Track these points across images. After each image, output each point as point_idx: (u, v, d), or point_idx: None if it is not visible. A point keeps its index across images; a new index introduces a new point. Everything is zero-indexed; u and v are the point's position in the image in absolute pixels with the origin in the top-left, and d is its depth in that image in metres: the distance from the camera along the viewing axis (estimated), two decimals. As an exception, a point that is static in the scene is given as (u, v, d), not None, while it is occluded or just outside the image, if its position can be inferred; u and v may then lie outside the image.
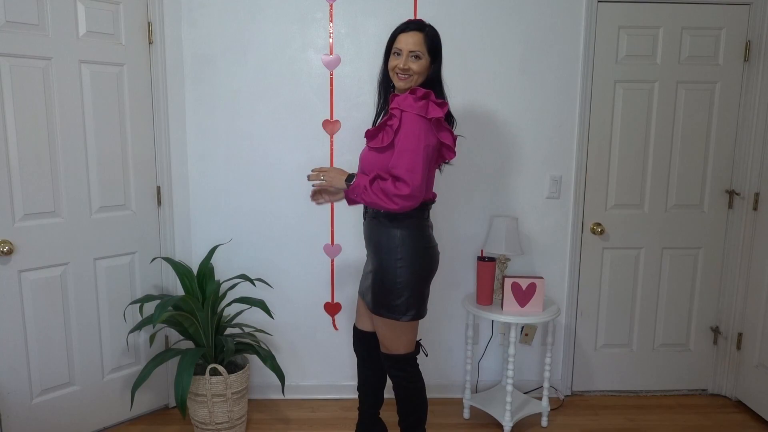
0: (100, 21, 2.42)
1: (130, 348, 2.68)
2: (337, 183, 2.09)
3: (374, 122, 2.17)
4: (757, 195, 2.81)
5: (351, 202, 2.24)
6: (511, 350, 2.57)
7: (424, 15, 2.69)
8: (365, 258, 2.29)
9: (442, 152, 2.10)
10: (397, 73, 2.04)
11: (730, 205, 2.92)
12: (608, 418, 2.84)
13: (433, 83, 2.09)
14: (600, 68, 2.78)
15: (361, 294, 2.27)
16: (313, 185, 2.23)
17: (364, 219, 2.21)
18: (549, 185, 2.86)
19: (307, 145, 2.77)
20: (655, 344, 3.04)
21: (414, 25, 2.05)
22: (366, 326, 2.33)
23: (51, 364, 2.44)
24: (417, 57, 2.02)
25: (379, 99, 2.20)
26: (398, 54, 2.03)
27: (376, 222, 2.12)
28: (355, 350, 2.42)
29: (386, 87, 2.16)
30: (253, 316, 2.73)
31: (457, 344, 2.96)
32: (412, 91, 2.03)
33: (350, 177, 2.07)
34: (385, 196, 1.96)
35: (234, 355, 2.54)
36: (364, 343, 2.36)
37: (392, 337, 2.15)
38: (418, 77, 2.04)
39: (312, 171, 2.14)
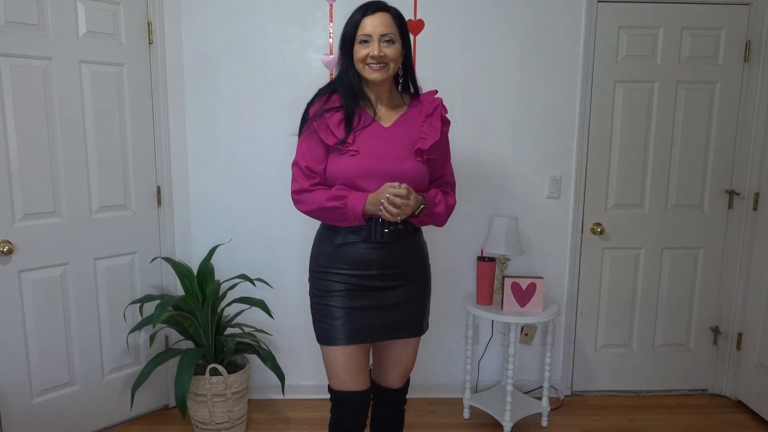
0: (100, 21, 2.42)
1: (130, 348, 2.68)
2: (410, 211, 1.73)
3: (347, 128, 1.78)
4: (757, 195, 2.81)
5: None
6: (511, 350, 2.57)
7: (424, 15, 2.69)
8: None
9: None
10: (368, 64, 1.75)
11: (730, 205, 2.92)
12: (608, 418, 2.84)
13: (406, 71, 1.86)
14: (600, 68, 2.78)
15: (367, 336, 1.82)
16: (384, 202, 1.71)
17: (386, 243, 1.79)
18: (549, 185, 2.86)
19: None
20: (655, 344, 3.04)
21: (377, 6, 1.77)
22: (367, 382, 1.88)
23: (51, 364, 2.44)
24: (390, 41, 1.75)
25: (347, 100, 1.80)
26: (366, 42, 1.74)
27: (416, 238, 1.88)
28: (355, 427, 1.92)
29: (350, 85, 1.80)
30: (253, 316, 2.73)
31: (457, 344, 2.96)
32: (434, 92, 1.90)
33: (423, 208, 1.77)
34: (451, 210, 1.91)
35: (234, 355, 2.54)
36: (365, 407, 1.90)
37: (415, 356, 1.96)
38: (395, 65, 1.79)
39: (396, 195, 1.68)
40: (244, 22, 2.68)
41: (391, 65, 1.77)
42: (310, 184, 1.80)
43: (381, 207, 1.69)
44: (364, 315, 1.80)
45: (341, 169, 1.76)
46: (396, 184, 1.68)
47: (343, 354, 1.80)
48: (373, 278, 1.79)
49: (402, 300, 1.83)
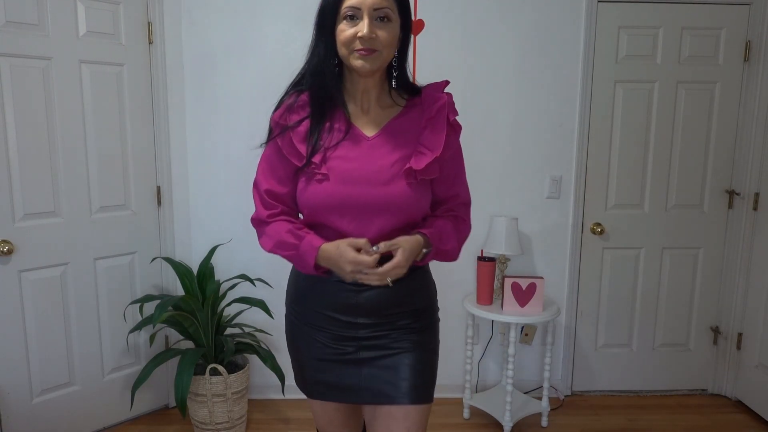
0: (100, 21, 2.42)
1: (130, 348, 2.68)
2: (403, 271, 1.33)
3: (314, 142, 1.35)
4: (757, 195, 2.81)
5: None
6: (511, 350, 2.57)
7: (424, 15, 2.69)
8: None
9: None
10: (355, 50, 1.30)
11: (730, 205, 2.92)
12: (608, 418, 2.84)
13: (402, 62, 1.40)
14: (600, 68, 2.78)
15: (344, 396, 1.45)
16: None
17: (369, 286, 1.37)
18: (549, 185, 2.87)
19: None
20: (655, 344, 3.04)
21: None
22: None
23: (51, 364, 2.43)
24: (385, 18, 1.30)
25: (317, 101, 1.36)
26: (353, 17, 1.29)
27: (417, 277, 1.48)
28: None
29: (327, 77, 1.36)
30: (253, 316, 2.73)
31: (457, 344, 2.96)
32: (441, 85, 1.41)
33: (426, 252, 1.39)
34: (464, 240, 1.49)
35: (234, 355, 2.54)
36: None
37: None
38: (389, 51, 1.33)
39: (360, 264, 1.27)
40: (244, 22, 2.68)
41: (384, 52, 1.32)
42: (268, 214, 1.45)
43: (356, 277, 1.29)
44: (341, 369, 1.42)
45: (309, 200, 1.35)
46: (360, 241, 1.27)
47: (321, 407, 1.51)
48: (354, 327, 1.40)
49: (393, 355, 1.43)
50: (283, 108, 1.39)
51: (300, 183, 1.38)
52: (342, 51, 1.32)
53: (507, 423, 2.58)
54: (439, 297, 2.99)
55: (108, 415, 2.65)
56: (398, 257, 1.28)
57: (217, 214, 2.81)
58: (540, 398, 2.76)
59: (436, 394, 3.17)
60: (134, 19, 2.53)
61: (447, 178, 1.43)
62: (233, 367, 2.54)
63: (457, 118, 1.40)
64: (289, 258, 1.39)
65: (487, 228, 2.84)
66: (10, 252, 2.25)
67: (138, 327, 2.49)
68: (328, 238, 1.34)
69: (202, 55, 2.70)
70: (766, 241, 2.77)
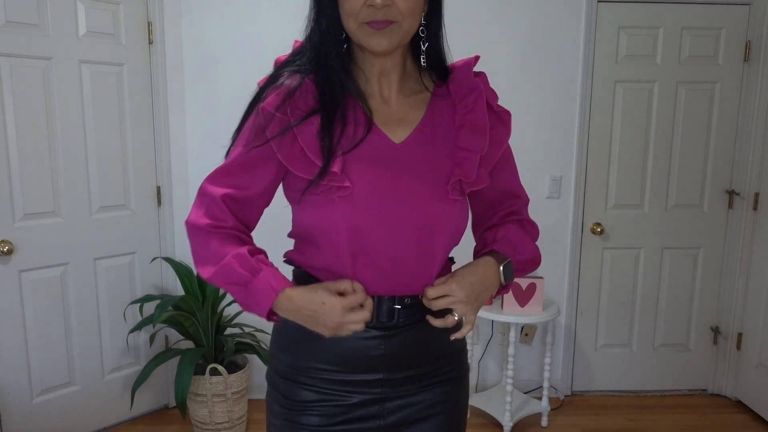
0: (100, 21, 2.42)
1: (130, 348, 2.68)
2: (486, 295, 1.06)
3: (327, 142, 0.98)
4: (757, 195, 2.81)
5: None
6: (511, 350, 2.57)
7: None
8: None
9: None
10: (365, 22, 0.95)
11: (730, 205, 2.92)
12: (608, 418, 2.84)
13: (435, 30, 1.05)
14: (600, 68, 2.78)
15: None
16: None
17: (399, 328, 1.04)
18: (549, 185, 2.87)
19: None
20: (655, 344, 3.04)
21: None
22: None
23: (51, 364, 2.43)
24: None
25: (328, 91, 0.99)
26: None
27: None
28: None
29: (333, 59, 1.00)
30: (253, 316, 2.71)
31: (457, 344, 2.96)
32: (470, 64, 1.11)
33: (505, 265, 1.08)
34: (536, 239, 1.19)
35: (234, 354, 2.54)
36: None
37: None
38: (411, 23, 0.97)
39: (432, 295, 1.00)
40: (244, 22, 2.68)
41: (405, 22, 0.96)
42: (209, 224, 1.01)
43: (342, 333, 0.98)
44: None
45: (325, 224, 1.00)
46: (342, 284, 0.99)
47: None
48: (374, 385, 1.05)
49: (425, 419, 1.08)
50: (282, 94, 1.01)
51: (310, 202, 1.01)
52: (349, 24, 0.96)
53: (507, 423, 2.58)
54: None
55: (108, 415, 2.65)
56: (453, 287, 1.00)
57: (217, 214, 2.81)
58: (540, 398, 2.76)
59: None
60: (134, 19, 2.53)
61: (501, 181, 1.13)
62: (233, 367, 2.54)
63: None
64: (233, 294, 1.01)
65: (487, 228, 2.84)
66: (10, 252, 2.25)
67: (138, 327, 2.49)
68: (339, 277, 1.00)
69: (202, 55, 2.70)
70: (766, 241, 2.77)
